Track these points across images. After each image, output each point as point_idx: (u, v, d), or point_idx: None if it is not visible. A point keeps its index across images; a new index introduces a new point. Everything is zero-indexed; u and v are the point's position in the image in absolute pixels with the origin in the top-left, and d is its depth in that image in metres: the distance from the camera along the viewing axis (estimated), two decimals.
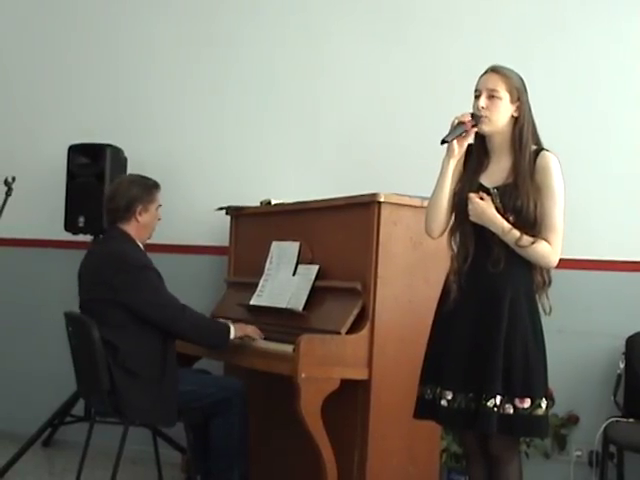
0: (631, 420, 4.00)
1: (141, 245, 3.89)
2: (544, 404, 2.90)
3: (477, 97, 3.00)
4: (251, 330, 3.87)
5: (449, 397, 2.92)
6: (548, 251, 2.93)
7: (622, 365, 4.18)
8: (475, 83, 3.04)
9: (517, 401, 2.87)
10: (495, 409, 2.84)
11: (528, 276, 2.98)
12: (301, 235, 4.09)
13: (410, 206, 3.75)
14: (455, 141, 2.99)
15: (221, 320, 3.97)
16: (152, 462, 4.18)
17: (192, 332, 3.80)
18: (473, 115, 2.98)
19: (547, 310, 3.01)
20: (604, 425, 3.98)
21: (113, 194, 3.88)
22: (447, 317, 3.02)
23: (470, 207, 2.97)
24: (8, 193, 4.27)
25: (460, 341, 2.95)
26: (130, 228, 3.84)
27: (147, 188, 3.88)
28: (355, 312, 3.67)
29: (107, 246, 3.90)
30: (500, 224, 2.92)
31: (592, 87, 4.44)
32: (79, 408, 4.84)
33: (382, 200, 3.69)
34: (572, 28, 4.49)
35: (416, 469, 3.82)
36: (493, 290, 2.93)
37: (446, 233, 3.10)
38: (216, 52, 5.21)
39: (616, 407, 4.14)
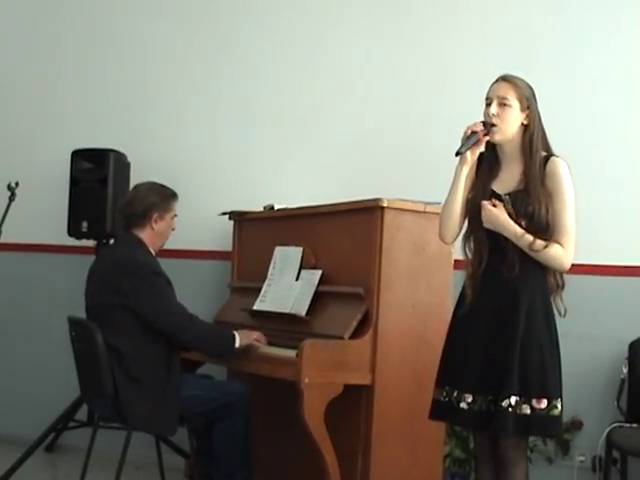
0: (634, 425, 4.00)
1: (153, 253, 3.90)
2: (559, 404, 2.96)
3: (488, 105, 3.07)
4: (256, 337, 3.87)
5: (469, 400, 2.97)
6: (561, 254, 3.00)
7: (625, 370, 4.18)
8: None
9: (534, 402, 2.92)
10: (510, 409, 2.89)
11: (542, 279, 3.05)
12: (304, 240, 4.09)
13: (413, 211, 3.76)
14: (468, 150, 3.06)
15: (226, 329, 3.96)
16: (155, 467, 4.19)
17: (197, 341, 3.81)
18: (484, 123, 3.04)
19: (562, 312, 3.07)
20: (607, 430, 3.97)
21: (131, 200, 3.90)
22: (463, 321, 3.08)
23: (483, 214, 3.03)
24: (11, 198, 4.28)
25: (477, 344, 3.00)
26: (144, 235, 3.86)
27: (165, 197, 3.91)
28: (358, 317, 3.67)
29: (119, 251, 3.92)
30: (513, 229, 2.98)
31: (594, 90, 4.44)
32: (82, 413, 4.84)
33: (385, 205, 3.69)
34: (574, 30, 4.48)
35: (419, 474, 3.82)
36: (510, 294, 2.99)
37: (460, 239, 3.17)
38: (220, 55, 5.21)
39: (619, 412, 4.13)
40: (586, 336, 4.28)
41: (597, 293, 4.33)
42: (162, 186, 3.95)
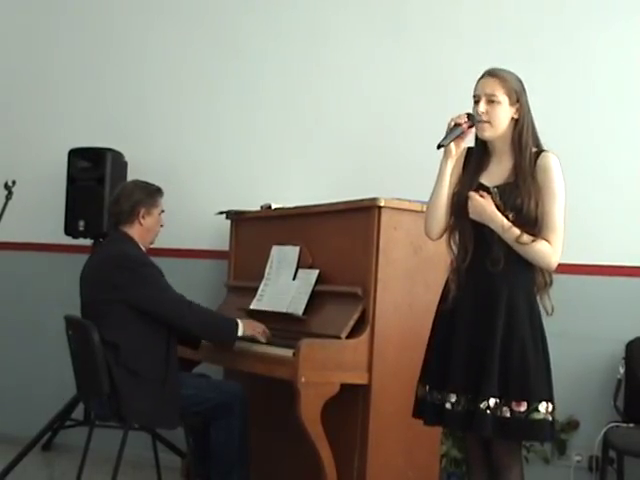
0: (631, 425, 4.00)
1: (144, 249, 3.92)
2: (543, 408, 2.86)
3: (476, 102, 2.99)
4: (260, 331, 3.86)
5: (453, 400, 2.91)
6: (548, 251, 2.91)
7: (622, 370, 4.18)
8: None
9: (514, 404, 2.84)
10: (488, 412, 2.83)
11: (528, 277, 2.96)
12: (301, 239, 4.09)
13: (410, 211, 3.75)
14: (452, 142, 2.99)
15: (230, 317, 3.95)
16: (152, 466, 4.18)
17: (199, 328, 3.81)
18: (469, 115, 2.97)
19: (549, 311, 2.98)
20: (604, 430, 3.98)
21: (117, 197, 3.94)
22: (446, 316, 3.02)
23: (470, 204, 2.96)
24: (8, 197, 4.28)
25: (460, 342, 2.94)
26: (133, 231, 3.89)
27: (150, 192, 3.95)
28: (355, 317, 3.66)
29: (110, 248, 3.94)
30: (500, 222, 2.90)
31: (594, 90, 4.44)
32: (79, 412, 4.83)
33: (382, 205, 3.69)
34: (572, 30, 4.49)
35: (416, 474, 3.81)
36: (491, 290, 2.92)
37: (445, 233, 3.10)
38: (217, 55, 5.21)
39: (616, 412, 4.13)
40: (583, 336, 4.28)
41: (594, 293, 4.33)
42: (147, 183, 4.00)
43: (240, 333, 3.81)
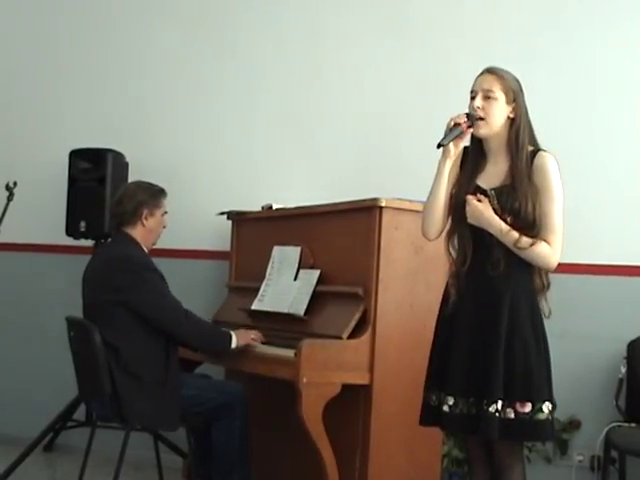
0: (633, 425, 4.00)
1: (146, 250, 3.92)
2: (546, 408, 2.87)
3: (473, 98, 2.99)
4: (254, 337, 3.87)
5: (450, 402, 2.90)
6: (548, 252, 2.91)
7: (624, 369, 4.18)
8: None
9: (518, 405, 2.85)
10: (497, 414, 2.83)
11: (528, 278, 2.96)
12: (302, 240, 4.09)
13: (411, 211, 3.74)
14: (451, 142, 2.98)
15: (224, 329, 3.95)
16: (153, 467, 4.18)
17: (193, 338, 3.81)
18: (468, 115, 2.97)
19: (547, 313, 2.98)
20: (606, 430, 3.97)
21: (120, 198, 3.93)
22: (448, 321, 3.01)
23: (468, 209, 2.95)
24: (9, 198, 4.28)
25: (460, 345, 2.93)
26: (136, 232, 3.88)
27: (153, 193, 3.93)
28: (356, 317, 3.66)
29: (112, 249, 3.95)
30: (498, 225, 2.90)
31: (593, 90, 4.44)
32: (80, 413, 4.83)
33: (383, 205, 3.69)
34: (573, 30, 4.49)
35: (417, 473, 3.81)
36: (492, 293, 2.92)
37: (443, 236, 3.09)
38: (218, 55, 5.21)
39: (618, 412, 4.13)
40: (584, 335, 4.28)
41: (596, 292, 4.33)
42: (150, 184, 3.99)
43: (234, 345, 3.81)
